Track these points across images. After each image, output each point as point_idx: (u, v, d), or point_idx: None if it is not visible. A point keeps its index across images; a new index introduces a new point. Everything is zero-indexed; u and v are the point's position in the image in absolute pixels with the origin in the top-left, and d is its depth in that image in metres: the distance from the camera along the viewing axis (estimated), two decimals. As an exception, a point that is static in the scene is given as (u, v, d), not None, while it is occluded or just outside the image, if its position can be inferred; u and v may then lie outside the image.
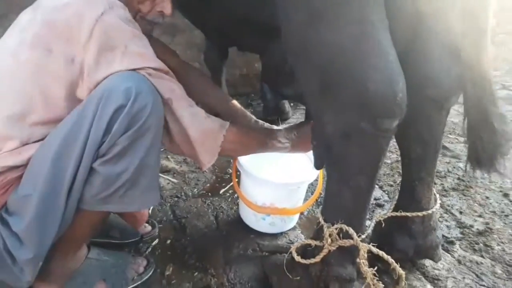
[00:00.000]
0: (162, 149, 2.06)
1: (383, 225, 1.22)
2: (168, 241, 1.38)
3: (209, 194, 1.70)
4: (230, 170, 1.89)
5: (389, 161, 1.98)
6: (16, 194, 0.92)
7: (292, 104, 2.74)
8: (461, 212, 1.56)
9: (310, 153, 1.45)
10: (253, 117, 1.38)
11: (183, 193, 1.68)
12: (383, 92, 0.90)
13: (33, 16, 0.95)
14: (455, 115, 2.54)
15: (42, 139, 0.94)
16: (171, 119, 1.01)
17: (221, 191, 1.72)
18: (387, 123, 0.95)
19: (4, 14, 2.40)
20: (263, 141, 1.20)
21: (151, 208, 1.55)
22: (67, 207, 0.92)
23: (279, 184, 1.33)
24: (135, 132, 0.91)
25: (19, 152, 0.92)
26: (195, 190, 1.72)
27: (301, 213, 1.54)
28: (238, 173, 1.46)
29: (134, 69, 0.94)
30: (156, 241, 1.38)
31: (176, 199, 1.64)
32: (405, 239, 1.25)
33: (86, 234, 1.08)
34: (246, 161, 1.39)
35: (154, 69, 0.98)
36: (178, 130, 1.02)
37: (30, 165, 0.92)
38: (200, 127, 1.03)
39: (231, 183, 1.76)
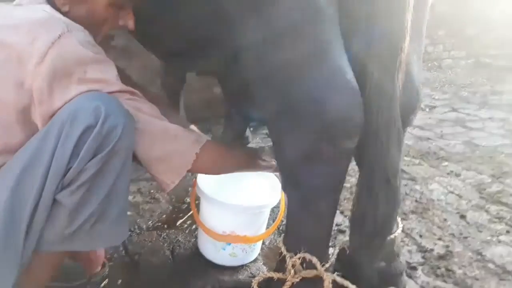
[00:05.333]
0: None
1: (347, 252, 1.18)
2: (119, 281, 1.27)
3: (165, 226, 1.61)
4: (188, 199, 1.81)
5: (348, 185, 1.98)
6: None
7: (251, 128, 2.71)
8: (421, 236, 1.56)
9: (272, 178, 1.42)
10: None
11: (136, 226, 1.58)
12: (342, 113, 0.89)
13: None
14: (409, 137, 2.62)
15: None
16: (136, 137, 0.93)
17: (178, 223, 1.63)
18: (347, 143, 0.93)
19: None
20: (245, 160, 1.16)
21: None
22: (24, 250, 0.81)
23: (240, 208, 1.27)
24: (105, 156, 0.81)
25: None
26: (150, 222, 1.62)
27: (263, 243, 1.48)
28: (197, 201, 1.39)
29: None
30: (106, 281, 1.26)
31: (128, 233, 1.53)
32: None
33: (46, 280, 0.95)
34: (206, 186, 1.32)
35: (116, 92, 0.90)
36: (141, 148, 0.93)
37: None
38: (166, 145, 0.95)
39: (189, 214, 1.68)
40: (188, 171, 1.00)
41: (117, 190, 0.87)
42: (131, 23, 1.05)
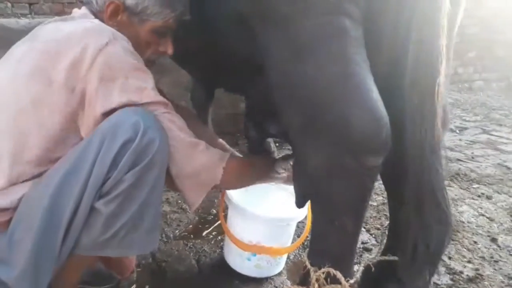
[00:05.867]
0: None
1: (373, 270, 1.17)
2: (147, 287, 1.30)
3: (191, 236, 1.64)
4: (214, 210, 1.83)
5: (375, 204, 1.96)
6: (5, 239, 0.84)
7: (277, 144, 2.74)
8: (450, 258, 1.53)
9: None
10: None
11: (164, 235, 1.61)
12: (367, 128, 0.89)
13: (30, 47, 0.92)
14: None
15: (31, 179, 0.89)
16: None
17: (204, 233, 1.66)
18: (372, 160, 0.93)
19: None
20: (261, 171, 1.18)
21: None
22: (61, 253, 0.85)
23: (267, 219, 1.28)
24: (142, 168, 0.86)
25: (6, 193, 0.86)
26: (177, 231, 1.66)
27: (288, 258, 1.48)
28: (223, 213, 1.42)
29: (133, 103, 0.91)
30: (134, 286, 1.29)
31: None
32: (395, 286, 1.20)
33: (76, 281, 1.00)
34: (235, 195, 1.35)
35: (154, 103, 0.95)
36: (172, 163, 0.96)
37: (23, 205, 0.86)
38: (195, 161, 0.98)
39: (215, 224, 1.71)
40: (214, 186, 1.03)
41: (151, 201, 0.90)
42: (170, 50, 1.12)
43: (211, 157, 1.01)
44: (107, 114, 0.89)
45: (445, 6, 0.83)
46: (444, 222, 0.95)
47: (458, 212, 1.90)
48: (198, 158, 0.98)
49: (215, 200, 1.89)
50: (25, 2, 4.02)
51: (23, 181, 0.88)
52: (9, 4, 3.98)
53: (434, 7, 0.83)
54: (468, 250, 1.59)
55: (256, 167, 1.19)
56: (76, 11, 1.06)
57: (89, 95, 0.88)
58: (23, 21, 2.55)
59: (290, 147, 2.68)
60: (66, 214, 0.84)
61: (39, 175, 0.90)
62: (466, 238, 1.67)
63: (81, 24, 0.95)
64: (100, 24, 0.96)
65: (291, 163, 1.21)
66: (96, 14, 1.03)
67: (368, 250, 1.57)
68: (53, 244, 0.84)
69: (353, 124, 0.88)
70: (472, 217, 1.86)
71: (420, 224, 0.95)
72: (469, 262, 1.50)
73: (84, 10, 1.05)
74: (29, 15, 4.02)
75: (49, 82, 0.87)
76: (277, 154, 2.60)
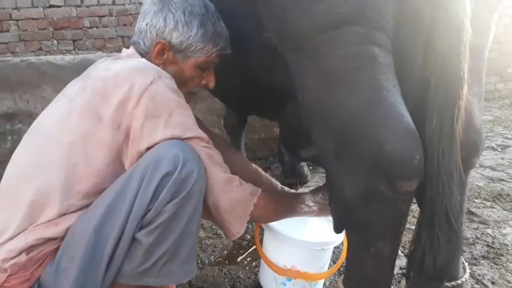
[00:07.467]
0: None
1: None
2: (183, 313, 1.32)
3: (226, 262, 1.65)
4: (248, 236, 1.84)
5: (413, 227, 1.90)
6: (52, 267, 0.89)
7: (311, 167, 2.73)
8: (493, 283, 1.45)
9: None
10: (278, 183, 1.37)
11: (199, 261, 1.64)
12: (400, 154, 0.89)
13: (82, 86, 0.99)
14: (480, 178, 2.47)
15: (79, 210, 0.94)
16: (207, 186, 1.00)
17: (239, 259, 1.67)
18: (406, 185, 0.92)
19: (37, 84, 2.57)
20: (292, 206, 1.18)
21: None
22: (104, 282, 0.89)
23: (302, 243, 1.28)
24: (181, 200, 0.89)
25: (56, 223, 0.91)
26: (212, 257, 1.68)
27: (324, 284, 1.46)
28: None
29: (175, 138, 0.95)
30: (170, 312, 1.32)
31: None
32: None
33: None
34: None
35: (195, 138, 0.99)
36: (210, 197, 1.00)
37: (69, 235, 0.90)
38: (231, 196, 1.00)
39: (250, 250, 1.72)
40: (247, 221, 1.05)
41: (188, 231, 0.93)
42: (212, 83, 1.18)
43: (244, 192, 1.03)
44: (150, 148, 0.93)
45: (466, 34, 0.84)
46: (453, 242, 0.93)
47: (502, 235, 1.81)
48: (234, 192, 1.01)
49: (249, 226, 1.90)
50: (69, 39, 4.31)
51: (72, 212, 0.93)
52: (55, 42, 4.28)
53: (455, 35, 0.84)
54: (514, 275, 1.51)
55: (285, 203, 1.19)
56: (124, 51, 1.14)
57: (134, 131, 0.93)
58: (68, 58, 2.72)
59: (323, 170, 2.68)
60: (109, 244, 0.88)
61: (87, 206, 0.94)
62: (511, 262, 1.58)
63: (128, 63, 1.01)
64: (146, 63, 1.02)
65: (321, 195, 1.22)
66: (143, 54, 1.10)
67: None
68: (96, 273, 0.88)
69: (386, 148, 0.89)
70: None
71: (430, 241, 0.94)
72: (515, 288, 1.42)
73: (132, 50, 1.13)
74: (73, 51, 4.29)
75: (98, 119, 0.93)
76: (311, 178, 2.61)
